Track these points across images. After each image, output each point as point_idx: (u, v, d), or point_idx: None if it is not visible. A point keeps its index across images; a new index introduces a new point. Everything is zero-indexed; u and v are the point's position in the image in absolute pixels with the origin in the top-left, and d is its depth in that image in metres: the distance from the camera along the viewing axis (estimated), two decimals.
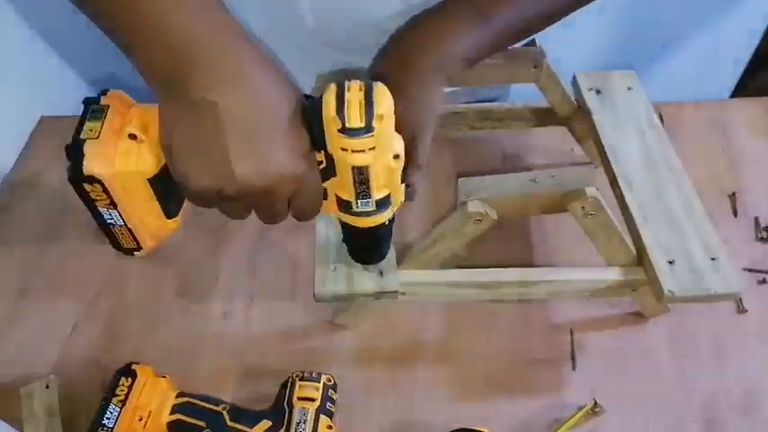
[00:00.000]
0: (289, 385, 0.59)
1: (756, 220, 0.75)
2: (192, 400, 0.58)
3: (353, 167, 0.44)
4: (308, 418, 0.56)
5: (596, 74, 0.75)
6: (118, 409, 0.56)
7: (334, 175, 0.47)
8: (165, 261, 0.73)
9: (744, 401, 0.61)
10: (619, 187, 0.63)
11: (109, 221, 0.65)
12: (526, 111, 0.77)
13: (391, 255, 0.59)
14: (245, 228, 0.76)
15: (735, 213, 0.76)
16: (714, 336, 0.66)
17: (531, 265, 0.71)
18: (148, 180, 0.61)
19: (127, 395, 0.57)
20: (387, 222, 0.51)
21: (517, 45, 0.67)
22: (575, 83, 0.75)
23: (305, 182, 0.45)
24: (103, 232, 0.68)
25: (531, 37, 0.67)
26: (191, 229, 0.74)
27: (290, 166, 0.43)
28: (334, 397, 0.59)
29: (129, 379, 0.57)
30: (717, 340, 0.66)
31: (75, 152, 0.60)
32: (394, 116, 0.44)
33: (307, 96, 0.46)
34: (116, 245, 0.69)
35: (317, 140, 0.45)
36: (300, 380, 0.59)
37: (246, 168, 0.42)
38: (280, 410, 0.57)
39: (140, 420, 0.56)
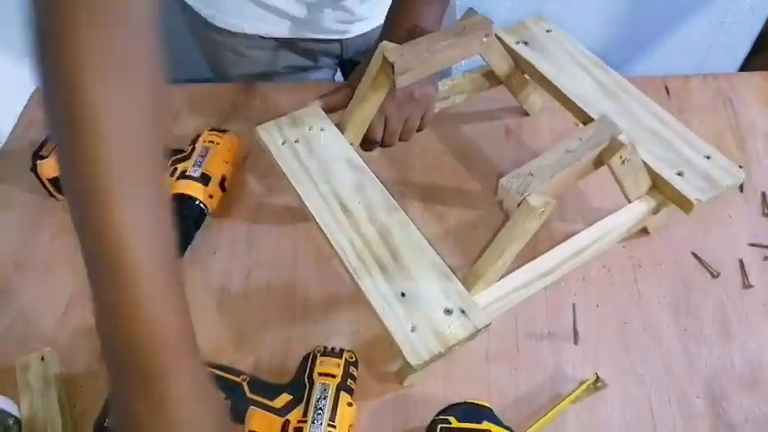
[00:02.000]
0: (310, 360, 0.58)
1: (763, 194, 0.74)
2: (212, 370, 0.57)
3: None
4: (329, 394, 0.55)
5: (512, 28, 0.76)
6: None
7: None
8: None
9: (748, 376, 0.61)
10: (593, 121, 0.62)
11: None
12: (467, 82, 0.78)
13: (461, 288, 0.56)
14: (244, 202, 0.76)
15: (741, 188, 0.75)
16: (719, 310, 0.65)
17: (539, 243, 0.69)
18: None
19: None
20: None
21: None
22: (501, 42, 0.75)
23: None
24: None
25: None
26: None
27: None
28: (354, 373, 0.58)
29: None
30: (721, 315, 0.65)
31: None
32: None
33: None
34: None
35: None
36: (322, 355, 0.58)
37: None
38: (300, 384, 0.56)
39: None
